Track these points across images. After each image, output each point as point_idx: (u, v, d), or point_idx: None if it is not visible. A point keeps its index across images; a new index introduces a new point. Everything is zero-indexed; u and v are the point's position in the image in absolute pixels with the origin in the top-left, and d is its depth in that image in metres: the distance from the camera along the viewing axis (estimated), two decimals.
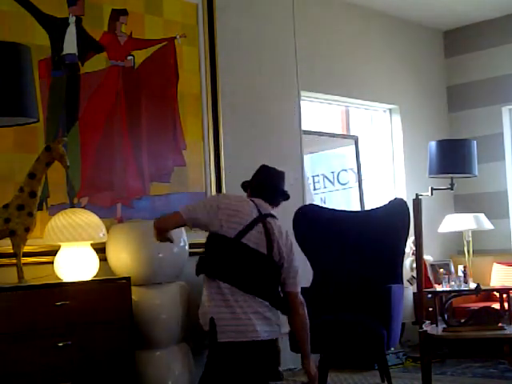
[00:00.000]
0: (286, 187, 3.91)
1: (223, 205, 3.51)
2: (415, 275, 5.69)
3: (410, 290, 6.39)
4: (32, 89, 3.42)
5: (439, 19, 7.49)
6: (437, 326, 4.90)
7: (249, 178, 5.72)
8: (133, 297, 4.19)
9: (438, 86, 7.78)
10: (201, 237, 5.15)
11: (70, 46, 4.63)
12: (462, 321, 4.63)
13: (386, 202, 5.36)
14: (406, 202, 5.18)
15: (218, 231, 3.47)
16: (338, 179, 7.00)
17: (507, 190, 7.40)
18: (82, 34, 4.69)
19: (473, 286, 5.94)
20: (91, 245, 4.22)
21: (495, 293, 6.53)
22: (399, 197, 6.07)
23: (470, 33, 7.68)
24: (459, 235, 7.16)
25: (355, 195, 6.94)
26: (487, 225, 6.94)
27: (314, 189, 6.85)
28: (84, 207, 4.51)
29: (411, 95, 7.44)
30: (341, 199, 6.95)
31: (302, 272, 5.39)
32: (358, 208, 6.81)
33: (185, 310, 4.47)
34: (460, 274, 6.30)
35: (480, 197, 7.46)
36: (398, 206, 5.18)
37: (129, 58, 4.95)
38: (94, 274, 4.19)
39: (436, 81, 7.76)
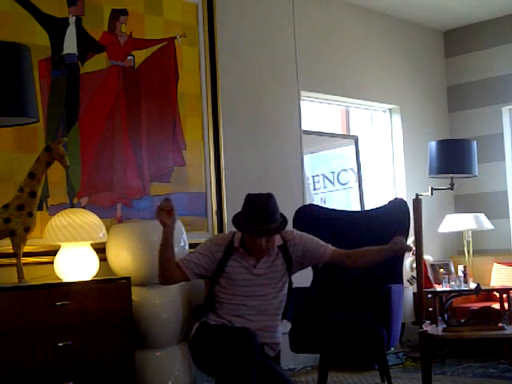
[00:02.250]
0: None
1: None
2: (415, 275, 5.68)
3: (410, 290, 6.39)
4: (32, 89, 3.42)
5: (439, 19, 7.49)
6: (437, 326, 4.90)
7: (248, 177, 5.76)
8: (133, 297, 4.18)
9: (438, 86, 7.78)
10: (200, 237, 5.18)
11: (70, 46, 4.63)
12: (462, 321, 4.63)
13: (386, 202, 5.35)
14: (406, 202, 5.17)
15: None
16: (338, 179, 7.00)
17: (507, 190, 7.40)
18: (82, 34, 4.69)
19: (473, 286, 5.94)
20: (91, 245, 4.22)
21: (495, 293, 6.53)
22: (399, 197, 6.06)
23: (470, 33, 7.68)
24: (459, 235, 7.16)
25: (355, 195, 6.94)
26: (487, 225, 6.93)
27: (314, 189, 6.85)
28: (84, 207, 4.51)
29: (411, 95, 7.44)
30: (341, 199, 6.95)
31: (303, 272, 5.40)
32: (358, 208, 6.81)
33: (185, 310, 4.47)
34: (460, 273, 6.30)
35: (480, 197, 7.46)
36: (398, 205, 5.17)
37: (129, 58, 4.95)
38: (94, 274, 4.20)
39: (436, 81, 7.76)
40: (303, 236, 3.59)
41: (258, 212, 3.27)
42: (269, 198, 3.35)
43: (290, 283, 3.54)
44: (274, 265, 3.42)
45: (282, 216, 3.42)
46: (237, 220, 3.37)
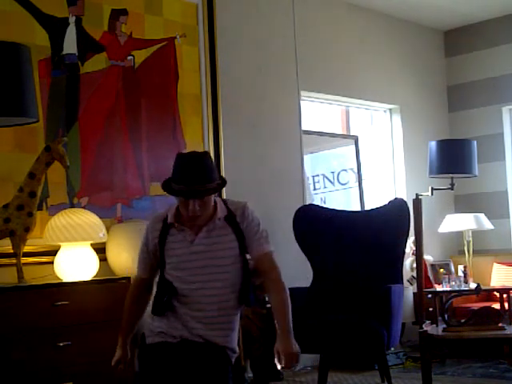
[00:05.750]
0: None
1: None
2: (415, 275, 5.68)
3: (410, 290, 6.39)
4: (32, 89, 3.41)
5: (439, 19, 7.49)
6: (437, 326, 4.90)
7: (248, 177, 5.76)
8: None
9: (438, 86, 7.78)
10: None
11: (70, 46, 4.63)
12: (463, 321, 4.63)
13: (386, 202, 5.36)
14: (406, 202, 5.18)
15: None
16: (338, 179, 6.99)
17: (507, 190, 7.40)
18: (81, 34, 4.69)
19: (473, 286, 5.93)
20: (91, 245, 4.22)
21: (495, 293, 6.53)
22: (399, 197, 6.07)
23: (470, 33, 7.68)
24: (459, 235, 7.16)
25: (355, 195, 6.94)
26: (487, 225, 6.93)
27: (314, 189, 6.85)
28: (84, 207, 4.51)
29: (411, 95, 7.44)
30: (341, 199, 6.94)
31: (303, 272, 5.42)
32: (358, 208, 6.81)
33: None
34: (460, 273, 6.30)
35: (480, 197, 7.45)
36: (398, 205, 5.17)
37: (129, 58, 4.95)
38: (94, 274, 4.19)
39: (436, 81, 7.76)
40: (254, 218, 2.92)
41: (190, 170, 2.77)
42: (203, 155, 2.84)
43: (245, 262, 2.90)
44: (220, 241, 2.84)
45: (221, 178, 2.90)
46: (166, 183, 2.88)
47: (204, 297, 2.84)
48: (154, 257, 2.96)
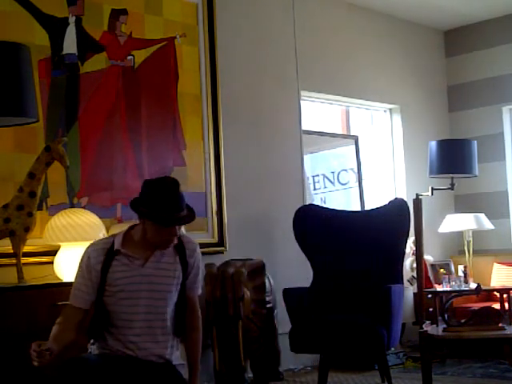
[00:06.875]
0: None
1: None
2: (415, 275, 5.68)
3: (410, 290, 6.39)
4: (32, 89, 3.41)
5: (439, 19, 7.49)
6: (437, 326, 4.89)
7: (248, 177, 5.76)
8: None
9: (439, 86, 7.78)
10: (200, 237, 5.17)
11: (70, 45, 4.63)
12: (463, 321, 4.63)
13: (386, 202, 5.36)
14: (406, 202, 5.18)
15: None
16: (338, 179, 6.99)
17: (507, 190, 7.40)
18: (81, 34, 4.69)
19: (473, 286, 5.93)
20: None
21: (495, 293, 6.53)
22: (399, 197, 6.07)
23: (471, 32, 7.68)
24: (459, 235, 7.16)
25: (355, 195, 6.94)
26: (487, 225, 6.93)
27: (314, 189, 6.85)
28: (84, 207, 4.51)
29: (411, 95, 7.43)
30: (341, 199, 6.94)
31: (303, 272, 5.42)
32: (358, 208, 6.81)
33: None
34: (460, 274, 6.30)
35: (480, 197, 7.45)
36: (398, 205, 5.17)
37: (129, 57, 4.95)
38: None
39: (436, 81, 7.76)
40: (200, 260, 3.11)
41: (169, 197, 2.87)
42: (175, 182, 2.92)
43: (182, 292, 3.04)
44: (168, 268, 2.97)
45: (186, 204, 3.00)
46: (139, 208, 2.96)
47: (141, 321, 2.92)
48: (92, 284, 2.97)
